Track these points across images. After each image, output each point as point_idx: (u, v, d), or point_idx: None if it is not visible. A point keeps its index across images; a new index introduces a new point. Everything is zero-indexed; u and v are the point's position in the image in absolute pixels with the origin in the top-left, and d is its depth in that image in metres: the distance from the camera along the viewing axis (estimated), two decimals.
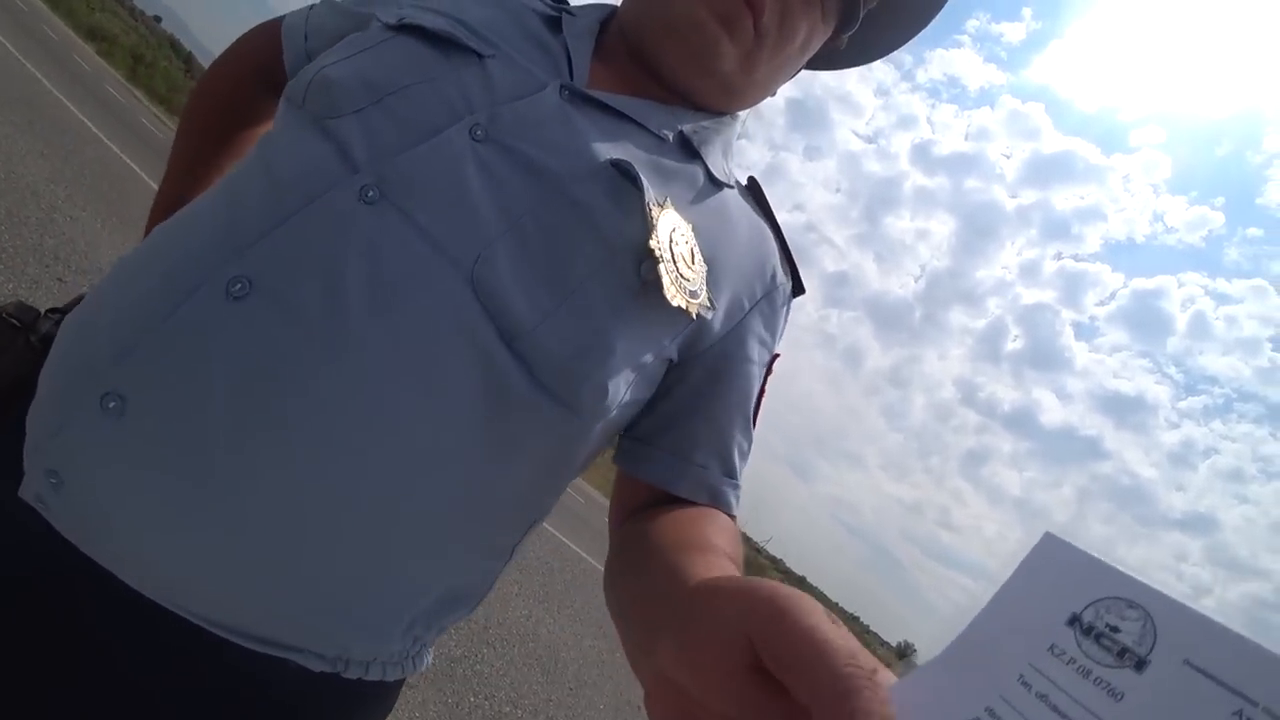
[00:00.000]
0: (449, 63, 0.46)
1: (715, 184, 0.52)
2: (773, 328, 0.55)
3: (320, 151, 0.43)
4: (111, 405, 0.37)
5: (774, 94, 0.59)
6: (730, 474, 0.52)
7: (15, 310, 0.49)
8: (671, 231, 0.44)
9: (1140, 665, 0.17)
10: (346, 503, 0.40)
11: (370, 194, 0.40)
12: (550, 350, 0.42)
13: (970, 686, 0.19)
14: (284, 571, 0.40)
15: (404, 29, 0.48)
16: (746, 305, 0.52)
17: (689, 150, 0.52)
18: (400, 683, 0.52)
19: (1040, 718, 0.17)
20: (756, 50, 0.51)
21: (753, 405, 0.54)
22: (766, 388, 0.55)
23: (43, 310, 0.51)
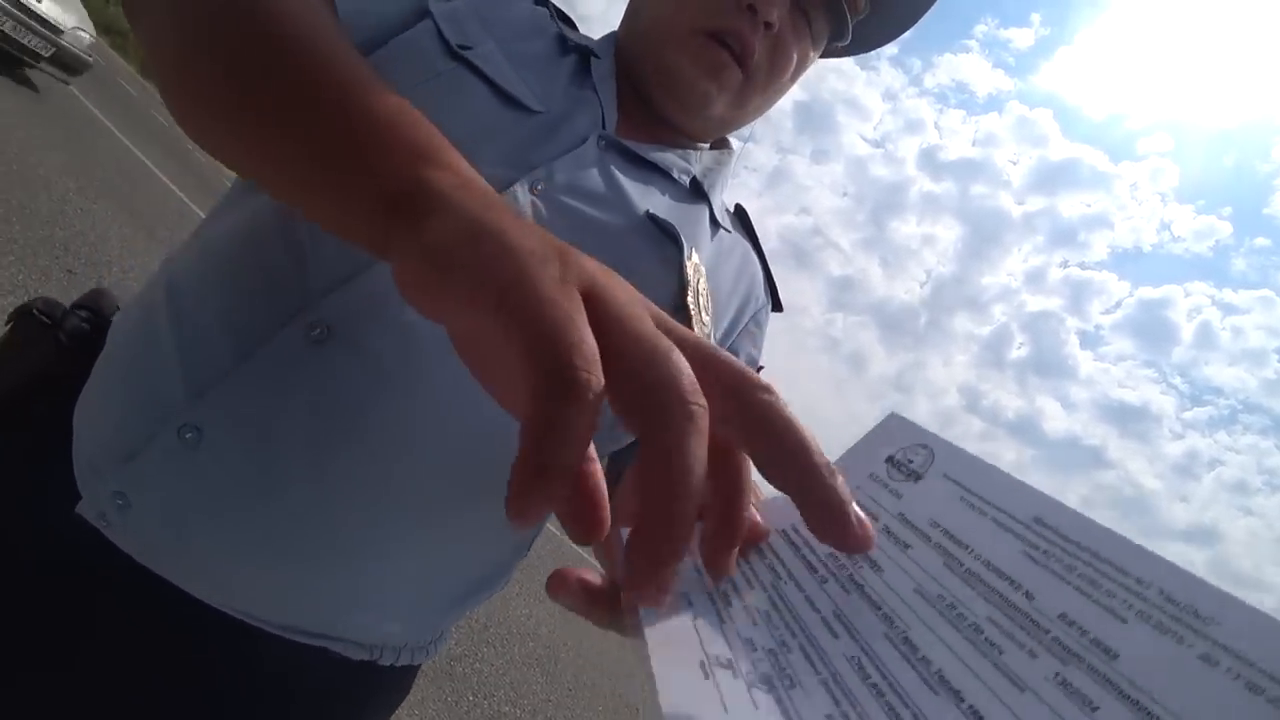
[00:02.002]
0: (503, 112, 0.46)
1: (715, 223, 0.56)
2: (758, 344, 0.59)
3: None
4: (188, 436, 0.39)
5: (773, 104, 0.61)
6: None
7: (44, 307, 0.50)
8: (697, 281, 0.49)
9: (917, 479, 0.26)
10: (415, 520, 0.43)
11: None
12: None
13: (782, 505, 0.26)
14: (347, 581, 0.43)
15: (466, 64, 0.46)
16: (736, 331, 0.56)
17: (699, 192, 0.55)
18: (418, 667, 0.55)
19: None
20: (747, 88, 0.53)
21: None
22: None
23: (67, 305, 0.51)
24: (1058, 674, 0.17)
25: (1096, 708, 0.15)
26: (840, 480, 0.21)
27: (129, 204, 4.07)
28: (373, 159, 0.28)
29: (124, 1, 0.39)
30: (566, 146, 0.47)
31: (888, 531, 0.24)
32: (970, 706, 0.17)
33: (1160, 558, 0.18)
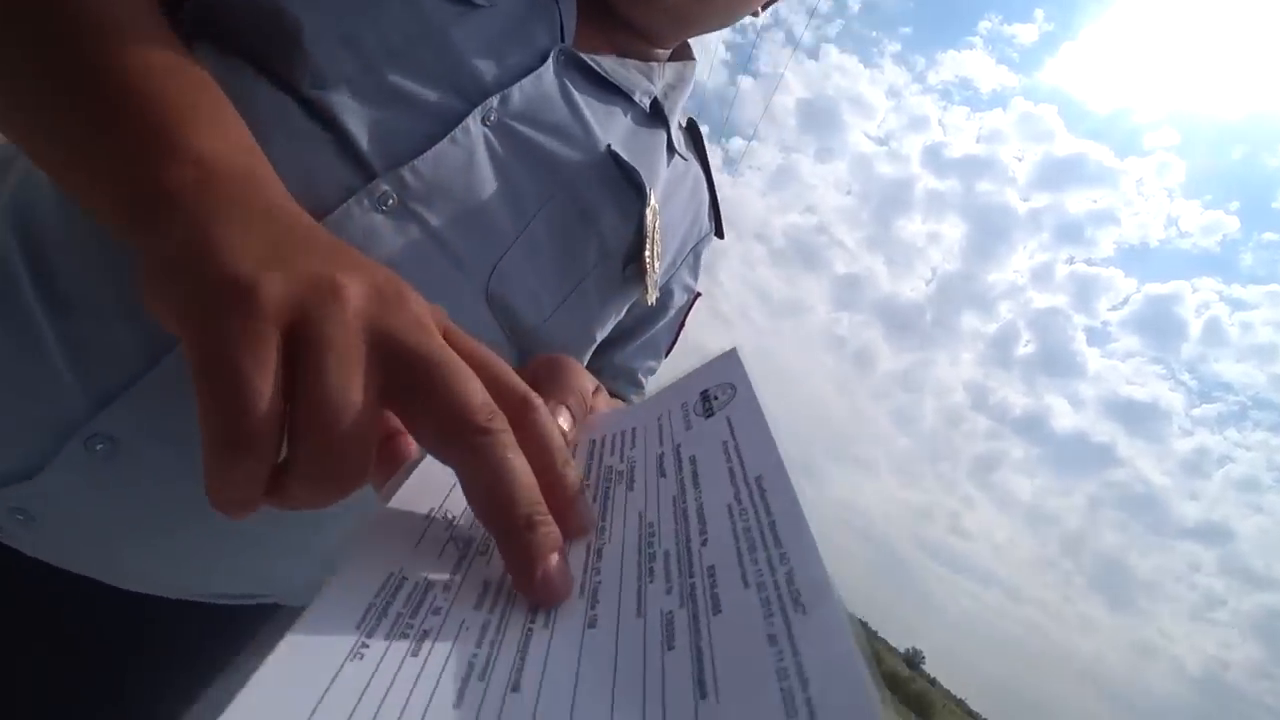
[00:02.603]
0: (441, 7, 0.37)
1: (671, 149, 0.51)
2: (695, 272, 0.57)
3: (318, 142, 0.34)
4: (100, 448, 0.33)
5: (757, 13, 0.53)
6: (637, 387, 0.57)
7: None
8: (653, 228, 0.45)
9: (710, 415, 0.28)
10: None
11: (389, 202, 0.35)
12: (545, 344, 0.43)
13: (640, 413, 0.32)
14: (280, 556, 0.41)
15: None
16: (679, 262, 0.53)
17: (659, 115, 0.49)
18: None
19: (652, 437, 0.29)
20: None
21: (669, 341, 0.58)
22: (686, 322, 0.59)
23: None
24: (670, 612, 0.20)
25: (673, 648, 0.19)
26: (536, 536, 0.21)
27: None
28: (111, 158, 0.25)
29: None
30: (523, 66, 0.40)
31: (659, 459, 0.28)
32: (594, 614, 0.21)
33: (812, 546, 0.20)
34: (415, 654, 0.19)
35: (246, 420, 0.19)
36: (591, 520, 0.25)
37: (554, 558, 0.22)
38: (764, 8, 0.53)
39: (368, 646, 0.19)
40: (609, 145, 0.43)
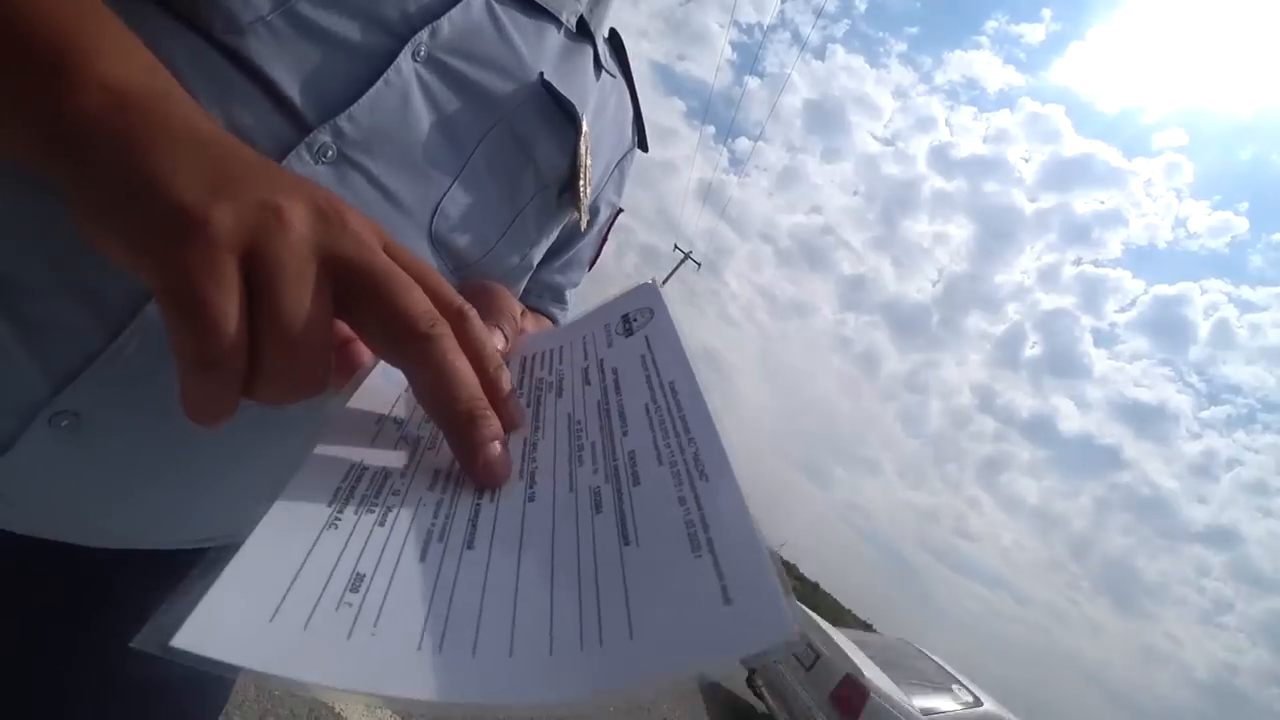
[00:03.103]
0: None
1: (599, 67, 0.50)
2: (620, 188, 0.57)
3: (248, 98, 0.32)
4: (65, 424, 0.33)
5: None
6: (560, 301, 0.59)
7: None
8: (585, 155, 0.46)
9: (629, 335, 0.33)
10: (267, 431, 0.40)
11: (329, 153, 0.34)
12: (486, 275, 0.44)
13: (565, 334, 0.37)
14: (243, 498, 0.41)
15: None
16: (604, 179, 0.53)
17: (585, 34, 0.48)
18: None
19: (577, 353, 0.34)
20: None
21: (593, 256, 0.60)
22: (608, 237, 0.61)
23: None
24: (597, 487, 0.24)
25: (600, 512, 0.23)
26: (479, 427, 0.25)
27: None
28: (12, 86, 0.24)
29: None
30: None
31: (585, 371, 0.32)
32: (532, 492, 0.25)
33: (714, 433, 0.24)
34: (382, 524, 0.23)
35: (216, 341, 0.21)
36: (521, 416, 0.30)
37: (494, 445, 0.26)
38: None
39: (340, 519, 0.22)
40: (541, 74, 0.42)
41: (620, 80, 0.54)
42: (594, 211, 0.54)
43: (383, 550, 0.21)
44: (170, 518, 0.40)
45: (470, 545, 0.22)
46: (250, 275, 0.22)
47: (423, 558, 0.22)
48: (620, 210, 0.60)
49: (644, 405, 0.28)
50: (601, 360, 0.33)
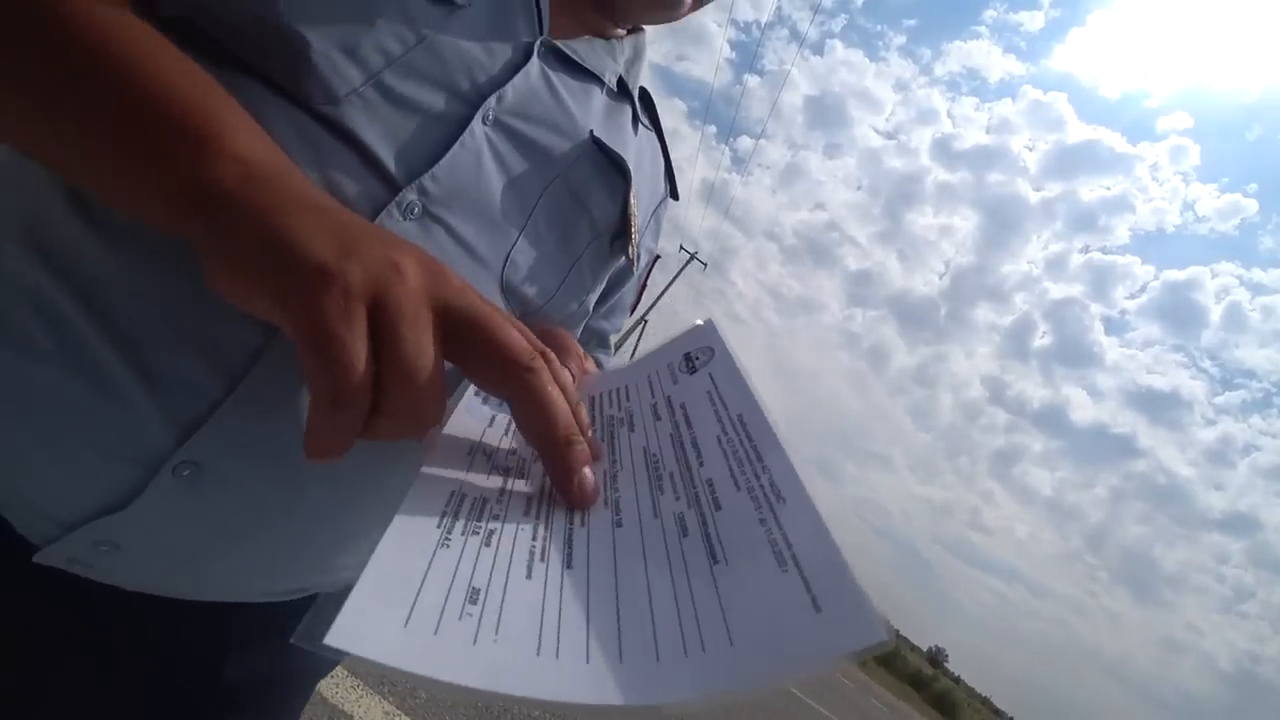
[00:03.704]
0: (428, 8, 0.38)
1: (636, 123, 0.54)
2: (656, 235, 0.62)
3: (344, 161, 0.36)
4: (186, 474, 0.35)
5: None
6: (605, 346, 0.63)
7: None
8: (634, 205, 0.50)
9: (693, 372, 0.36)
10: (370, 478, 0.42)
11: (415, 210, 0.38)
12: (549, 320, 0.47)
13: (630, 373, 0.40)
14: (341, 546, 0.44)
15: None
16: (644, 227, 0.57)
17: (624, 92, 0.53)
18: None
19: (644, 391, 0.37)
20: None
21: (634, 302, 0.63)
22: (647, 283, 0.68)
23: None
24: (680, 513, 0.27)
25: (687, 534, 0.26)
26: (573, 451, 0.29)
27: None
28: (149, 158, 0.28)
29: None
30: (513, 62, 0.42)
31: (654, 407, 0.35)
32: (618, 518, 0.28)
33: (785, 458, 0.27)
34: (488, 545, 0.25)
35: (350, 379, 0.25)
36: (598, 446, 0.33)
37: (587, 469, 0.29)
38: None
39: (449, 539, 0.25)
40: (591, 131, 0.47)
41: (653, 133, 0.59)
42: (635, 259, 0.57)
43: (492, 567, 0.24)
44: (273, 567, 0.42)
45: (569, 565, 0.25)
46: (374, 322, 0.26)
47: (529, 575, 0.24)
48: (658, 257, 0.63)
49: (716, 437, 0.30)
50: (669, 397, 0.36)
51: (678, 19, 0.54)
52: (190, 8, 0.34)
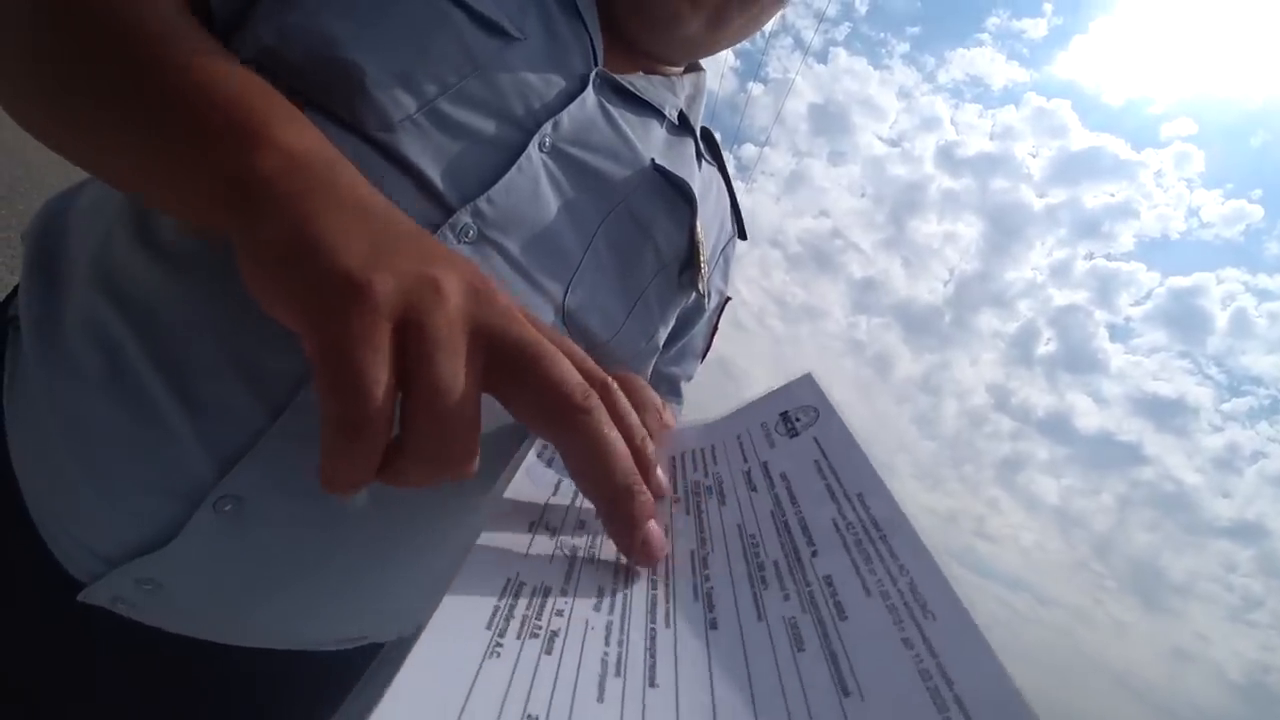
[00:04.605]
0: (484, 40, 0.38)
1: (699, 159, 0.53)
2: (726, 276, 0.59)
3: (398, 186, 0.35)
4: (228, 509, 0.34)
5: (758, 29, 0.55)
6: (676, 394, 0.59)
7: None
8: (701, 234, 0.47)
9: (794, 435, 0.30)
10: (420, 517, 0.41)
11: (470, 233, 0.36)
12: (616, 356, 0.45)
13: (716, 431, 0.34)
14: (390, 593, 0.42)
15: None
16: (712, 266, 0.55)
17: (686, 126, 0.52)
18: None
19: (734, 454, 0.31)
20: (725, 7, 0.48)
21: (705, 347, 0.60)
22: (719, 326, 0.61)
23: None
24: (792, 617, 0.21)
25: (803, 650, 0.20)
26: (635, 502, 0.24)
27: None
28: (195, 147, 0.26)
29: None
30: (568, 91, 0.42)
31: (746, 475, 0.29)
32: (713, 617, 0.22)
33: (927, 555, 0.21)
34: (549, 652, 0.20)
35: (364, 405, 0.21)
36: (667, 487, 0.29)
37: (651, 523, 0.25)
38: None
39: (502, 645, 0.20)
40: (653, 159, 0.45)
41: (716, 172, 0.57)
42: (706, 294, 0.54)
43: (554, 687, 0.19)
44: (316, 610, 0.40)
45: (653, 683, 0.20)
46: (404, 344, 0.22)
47: (600, 697, 0.19)
48: (729, 299, 0.60)
49: (831, 520, 0.25)
50: (765, 464, 0.30)
51: (690, 42, 0.50)
52: (259, 53, 0.34)
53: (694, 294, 0.49)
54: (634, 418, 0.27)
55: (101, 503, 0.34)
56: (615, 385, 0.28)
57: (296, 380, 0.34)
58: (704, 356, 0.61)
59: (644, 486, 0.25)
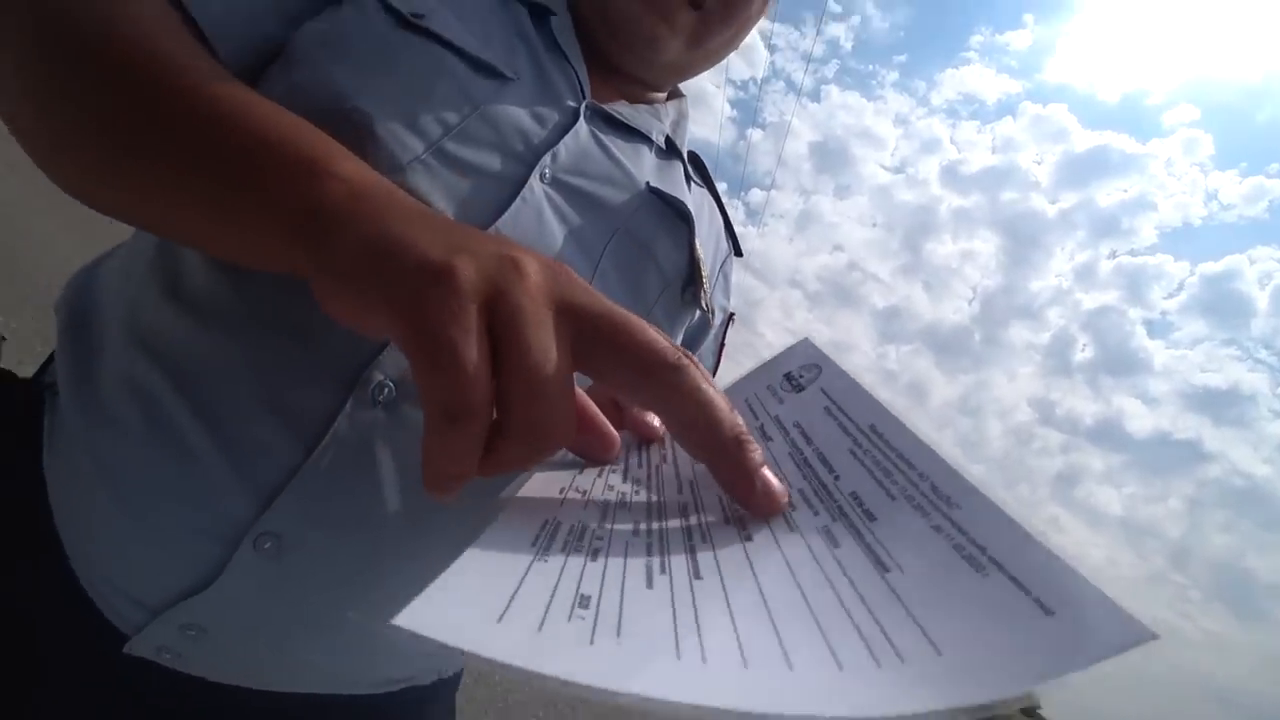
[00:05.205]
0: (481, 82, 0.41)
1: (688, 179, 0.55)
2: (727, 292, 0.60)
3: None
4: (267, 546, 0.35)
5: (737, 46, 0.58)
6: None
7: None
8: (700, 248, 0.49)
9: (800, 390, 0.31)
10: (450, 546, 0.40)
11: None
12: None
13: (731, 395, 0.31)
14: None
15: (426, 33, 0.41)
16: (712, 284, 0.56)
17: (673, 150, 0.54)
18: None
19: (746, 415, 0.28)
20: (702, 28, 0.50)
21: (714, 365, 0.61)
22: (725, 343, 0.63)
23: None
24: (825, 526, 0.22)
25: (839, 546, 0.21)
26: (749, 450, 0.24)
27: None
28: (261, 187, 0.28)
29: None
30: (561, 124, 0.44)
31: (761, 429, 0.30)
32: (747, 534, 0.23)
33: (943, 460, 0.22)
34: (594, 559, 0.21)
35: (464, 384, 0.21)
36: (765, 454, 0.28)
37: (767, 469, 0.24)
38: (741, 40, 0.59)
39: (547, 558, 0.21)
40: (648, 182, 0.47)
41: (706, 193, 0.59)
42: (710, 310, 0.56)
43: (603, 576, 0.19)
44: (362, 649, 0.40)
45: (698, 576, 0.20)
46: (492, 324, 0.22)
47: (650, 585, 0.19)
48: (732, 315, 0.61)
49: (848, 451, 0.26)
50: (777, 416, 0.31)
51: (671, 66, 0.53)
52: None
53: (698, 311, 0.50)
54: (713, 382, 0.28)
55: (144, 549, 0.35)
56: (694, 357, 0.27)
57: (328, 415, 0.35)
58: (713, 374, 0.62)
59: (750, 436, 0.25)
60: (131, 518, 0.35)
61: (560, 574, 0.19)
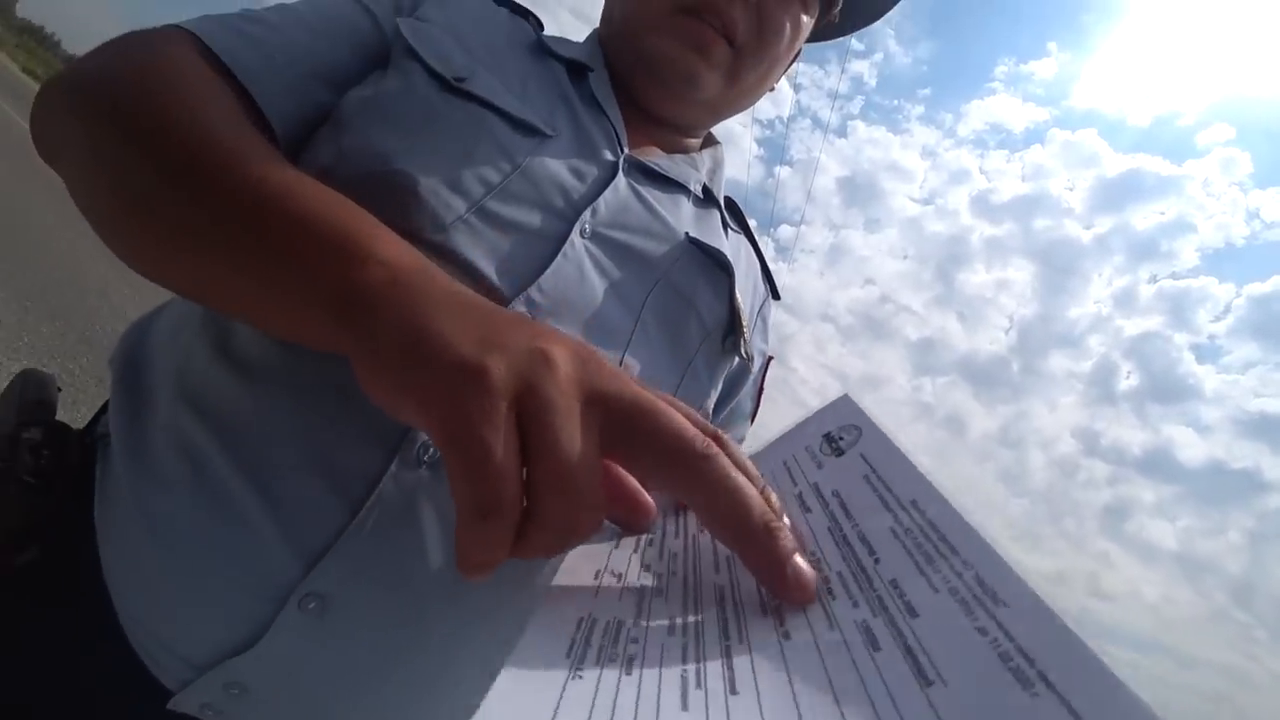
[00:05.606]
0: (521, 140, 0.42)
1: (725, 226, 0.56)
2: (765, 337, 0.60)
3: None
4: (312, 606, 0.35)
5: (773, 88, 0.60)
6: None
7: None
8: (740, 297, 0.50)
9: (840, 454, 0.31)
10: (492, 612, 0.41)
11: None
12: None
13: (763, 460, 0.34)
14: (474, 698, 0.40)
15: (468, 96, 0.42)
16: (751, 328, 0.56)
17: (711, 199, 0.55)
18: None
19: (783, 479, 0.32)
20: (738, 64, 0.51)
21: (753, 409, 0.61)
22: (764, 386, 0.62)
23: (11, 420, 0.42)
24: (864, 620, 0.21)
25: (879, 649, 0.20)
26: (779, 539, 0.24)
27: None
28: (303, 269, 0.28)
29: (36, 140, 0.39)
30: (601, 179, 0.45)
31: (799, 498, 0.30)
32: (785, 630, 0.22)
33: (990, 549, 0.21)
34: (629, 673, 0.20)
35: (494, 483, 0.21)
36: (802, 534, 0.28)
37: (798, 557, 0.24)
38: (775, 83, 0.60)
39: (582, 672, 0.20)
40: (687, 233, 0.48)
41: (743, 238, 0.60)
42: (750, 357, 0.56)
43: (637, 700, 0.19)
44: (406, 711, 0.40)
45: (734, 691, 0.20)
46: (522, 417, 0.23)
47: (685, 706, 0.19)
48: (771, 358, 0.62)
49: (888, 529, 0.25)
50: (815, 484, 0.30)
51: (709, 104, 0.54)
52: (319, 173, 0.35)
53: (738, 359, 0.50)
54: (749, 465, 0.28)
55: (190, 605, 0.35)
56: (726, 438, 0.28)
57: (374, 478, 0.35)
58: (753, 418, 0.62)
59: (782, 524, 0.25)
60: (178, 575, 0.35)
61: (595, 694, 0.19)
